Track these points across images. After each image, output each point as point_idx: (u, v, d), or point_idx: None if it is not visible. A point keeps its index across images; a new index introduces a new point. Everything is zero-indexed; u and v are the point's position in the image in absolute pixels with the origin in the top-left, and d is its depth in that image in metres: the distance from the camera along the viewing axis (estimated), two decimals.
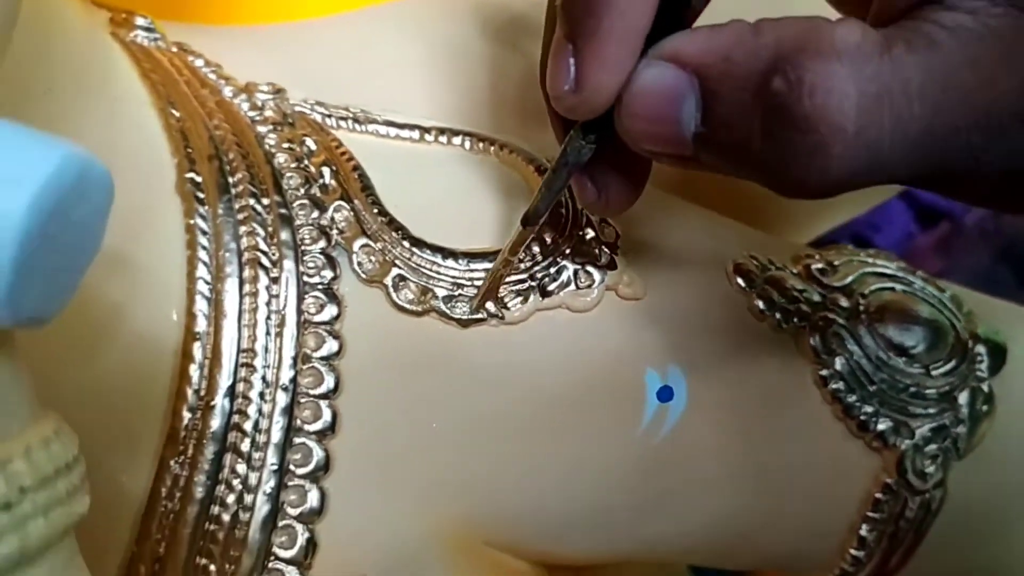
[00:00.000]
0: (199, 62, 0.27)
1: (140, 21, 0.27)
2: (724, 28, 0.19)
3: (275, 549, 0.22)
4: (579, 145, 0.22)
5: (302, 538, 0.23)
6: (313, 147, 0.25)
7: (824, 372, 0.26)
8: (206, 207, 0.23)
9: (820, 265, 0.28)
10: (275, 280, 0.23)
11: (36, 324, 0.15)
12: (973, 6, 0.17)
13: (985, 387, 0.27)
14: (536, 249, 0.25)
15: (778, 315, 0.27)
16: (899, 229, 0.60)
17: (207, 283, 0.23)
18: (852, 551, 0.27)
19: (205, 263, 0.23)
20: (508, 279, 0.24)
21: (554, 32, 0.20)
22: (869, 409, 0.26)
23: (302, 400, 0.23)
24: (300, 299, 0.23)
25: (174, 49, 0.27)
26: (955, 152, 0.17)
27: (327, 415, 0.23)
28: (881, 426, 0.26)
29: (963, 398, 0.27)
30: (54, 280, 0.15)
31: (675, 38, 0.19)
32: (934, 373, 0.27)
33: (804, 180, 0.17)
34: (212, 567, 0.22)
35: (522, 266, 0.24)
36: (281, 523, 0.22)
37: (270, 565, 0.22)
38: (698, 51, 0.19)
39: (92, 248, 0.15)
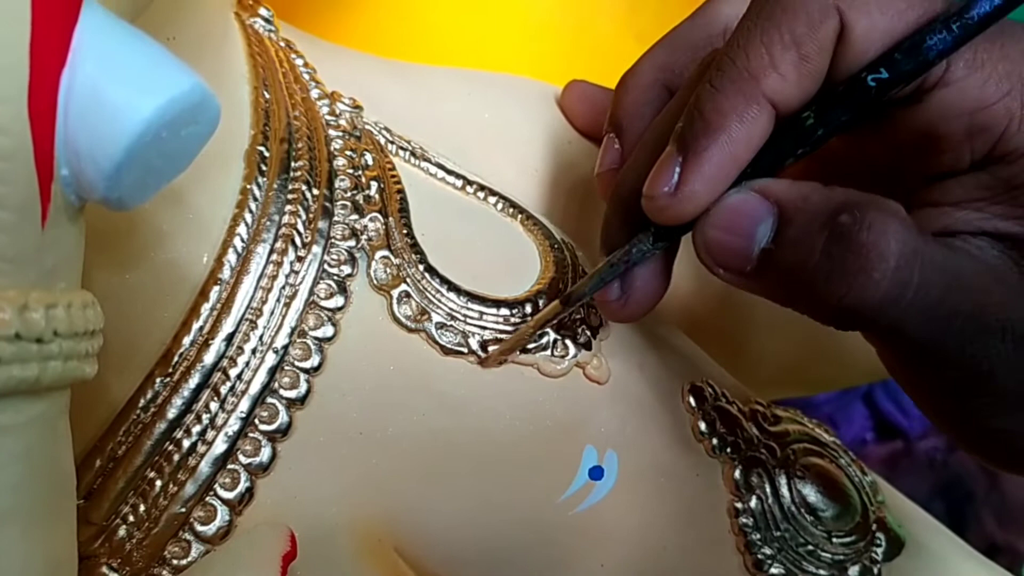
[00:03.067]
0: (299, 61, 0.30)
1: (263, 12, 0.31)
2: (804, 182, 0.23)
3: (216, 486, 0.25)
4: (646, 249, 0.25)
5: (243, 485, 0.25)
6: (370, 162, 0.29)
7: (739, 505, 0.29)
8: (264, 179, 0.26)
9: (766, 413, 0.31)
10: (300, 259, 0.26)
11: (117, 206, 0.18)
12: (979, 244, 0.23)
13: (876, 569, 0.30)
14: (528, 309, 0.27)
15: (715, 441, 0.29)
16: (855, 431, 0.63)
17: (243, 240, 0.26)
18: None
19: (247, 224, 0.26)
20: (495, 328, 0.27)
21: (648, 152, 0.25)
22: (768, 551, 0.29)
23: (286, 367, 0.25)
24: (315, 282, 0.26)
25: (282, 44, 0.31)
26: (952, 333, 0.22)
27: (303, 388, 0.25)
28: (774, 570, 0.29)
29: (854, 571, 0.29)
30: (146, 176, 0.18)
31: (763, 180, 0.24)
32: (834, 540, 0.29)
33: (843, 296, 0.21)
34: (158, 482, 0.24)
35: (513, 320, 0.27)
36: (230, 466, 0.25)
37: (207, 499, 0.25)
38: (782, 189, 0.23)
39: (184, 163, 0.18)
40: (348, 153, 0.28)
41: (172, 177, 0.18)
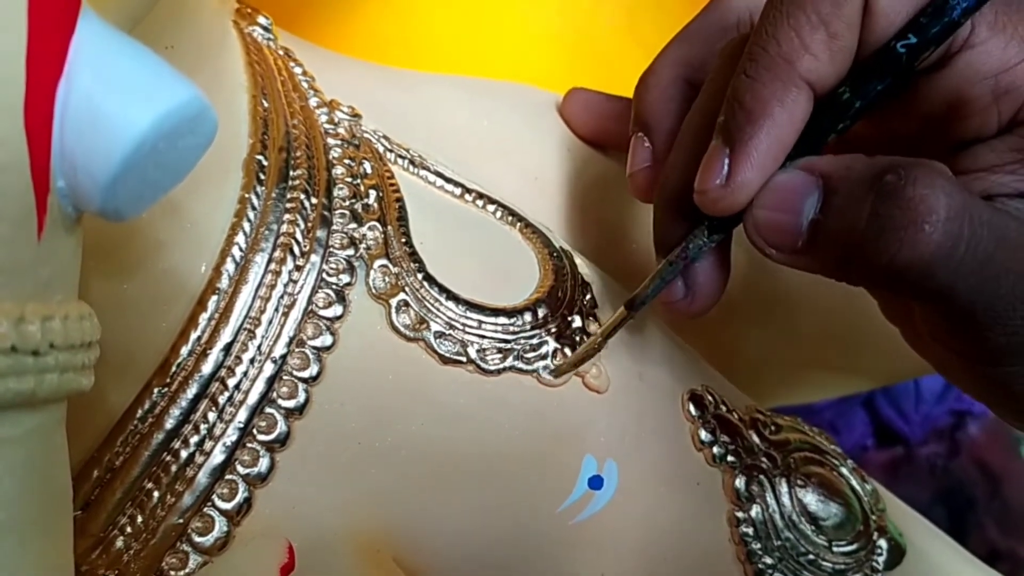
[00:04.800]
0: (298, 69, 0.30)
1: (262, 20, 0.31)
2: (847, 154, 0.24)
3: (214, 497, 0.24)
4: (702, 243, 0.26)
5: (241, 496, 0.25)
6: (368, 170, 0.28)
7: (739, 514, 0.29)
8: (263, 188, 0.26)
9: (766, 421, 0.31)
10: (299, 268, 0.26)
11: (114, 217, 0.18)
12: (1017, 206, 0.23)
13: None
14: (527, 318, 0.27)
15: (716, 450, 0.29)
16: (856, 438, 0.63)
17: (241, 250, 0.25)
18: None
19: (245, 233, 0.26)
20: (494, 337, 0.27)
21: (688, 148, 0.26)
22: (769, 560, 0.29)
23: (285, 377, 0.25)
24: (314, 291, 0.26)
25: (281, 52, 0.31)
26: (1002, 293, 0.22)
27: (301, 397, 0.25)
28: None
29: None
30: (143, 188, 0.18)
31: (807, 157, 0.24)
32: (835, 549, 0.29)
33: (895, 254, 0.22)
34: (155, 493, 0.24)
35: (512, 328, 0.27)
36: (228, 476, 0.25)
37: (205, 509, 0.24)
38: (826, 162, 0.24)
39: (181, 174, 0.18)
40: (347, 162, 0.28)
41: (169, 188, 0.18)
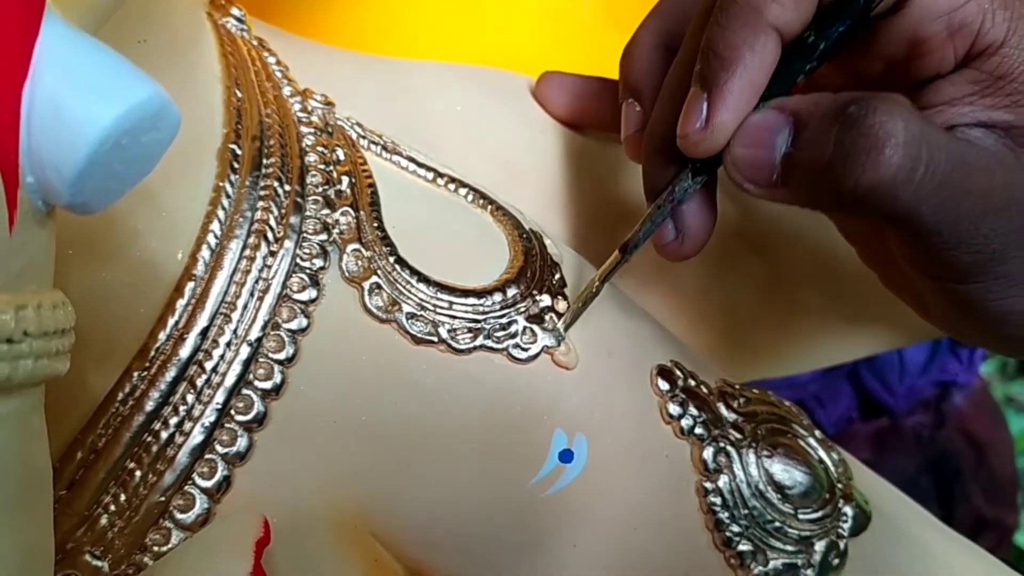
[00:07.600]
0: (271, 59, 0.31)
1: (235, 11, 0.31)
2: (815, 93, 0.26)
3: (195, 475, 0.25)
4: (687, 185, 0.28)
5: (220, 474, 0.26)
6: (341, 157, 0.29)
7: (707, 484, 0.30)
8: (237, 176, 0.27)
9: (734, 393, 0.32)
10: (273, 254, 0.27)
11: (82, 211, 0.18)
12: (975, 134, 0.26)
13: (842, 544, 0.31)
14: (497, 298, 0.28)
15: (684, 423, 0.30)
16: (841, 410, 0.63)
17: (216, 237, 0.26)
18: None
19: (220, 220, 0.26)
20: (464, 317, 0.28)
21: (670, 99, 0.28)
22: (736, 529, 0.30)
23: (261, 359, 0.26)
24: (288, 276, 0.27)
25: (255, 43, 0.31)
26: (964, 213, 0.24)
27: (277, 378, 0.26)
28: (742, 547, 0.30)
29: (820, 546, 0.30)
30: (109, 182, 0.18)
31: (778, 99, 0.26)
32: (801, 517, 0.30)
33: (859, 177, 0.24)
34: (137, 472, 0.25)
35: (482, 308, 0.28)
36: (207, 456, 0.26)
37: (186, 488, 0.25)
38: (795, 101, 0.26)
39: (146, 169, 0.19)
40: (320, 149, 0.29)
41: (136, 181, 0.19)
